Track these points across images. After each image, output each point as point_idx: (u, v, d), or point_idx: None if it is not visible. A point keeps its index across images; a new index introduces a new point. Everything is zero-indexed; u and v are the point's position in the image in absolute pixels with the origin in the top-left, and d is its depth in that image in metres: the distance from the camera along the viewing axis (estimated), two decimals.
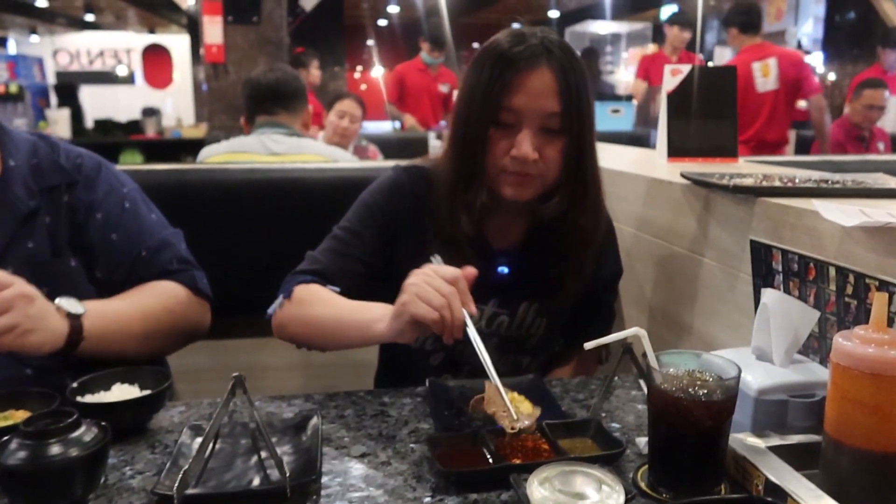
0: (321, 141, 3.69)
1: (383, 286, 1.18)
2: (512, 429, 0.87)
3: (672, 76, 1.77)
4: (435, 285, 0.94)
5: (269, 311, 1.20)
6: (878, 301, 0.75)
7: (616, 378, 1.16)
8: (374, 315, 1.04)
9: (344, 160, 2.32)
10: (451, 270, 0.96)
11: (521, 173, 1.15)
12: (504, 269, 1.26)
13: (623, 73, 12.90)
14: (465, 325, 0.93)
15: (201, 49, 6.06)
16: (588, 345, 0.82)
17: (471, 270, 0.98)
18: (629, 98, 5.48)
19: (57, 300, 1.06)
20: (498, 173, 1.17)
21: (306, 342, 1.17)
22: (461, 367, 1.31)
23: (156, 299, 1.21)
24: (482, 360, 0.91)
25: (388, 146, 3.90)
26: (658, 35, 5.36)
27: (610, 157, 2.60)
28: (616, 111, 5.04)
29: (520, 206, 1.25)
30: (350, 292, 1.18)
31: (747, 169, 1.65)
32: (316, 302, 1.15)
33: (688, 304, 1.39)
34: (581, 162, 1.17)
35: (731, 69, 1.82)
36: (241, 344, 1.86)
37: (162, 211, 1.34)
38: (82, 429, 0.79)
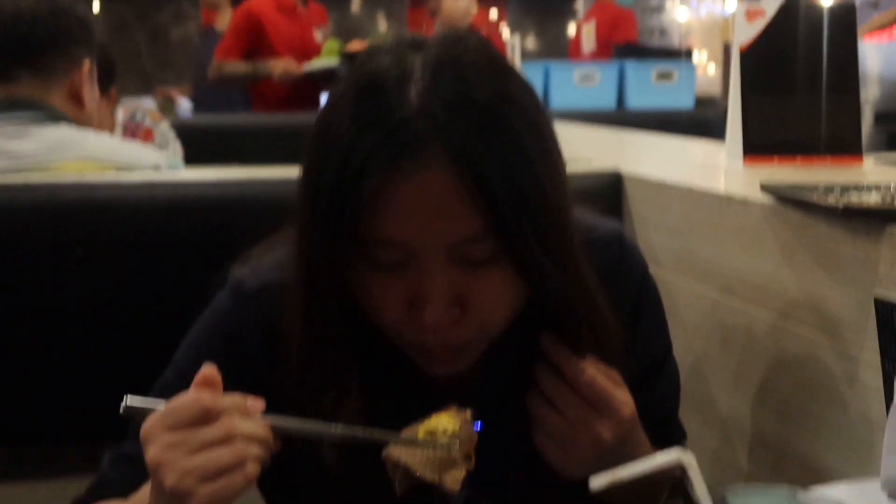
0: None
1: None
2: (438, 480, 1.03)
3: (747, 21, 1.84)
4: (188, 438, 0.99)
5: None
6: None
7: None
8: None
9: (154, 165, 2.24)
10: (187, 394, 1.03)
11: (441, 346, 1.13)
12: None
13: (679, 11, 13.24)
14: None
15: None
16: (594, 482, 0.85)
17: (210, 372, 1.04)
18: (688, 53, 5.63)
19: None
20: (402, 344, 1.15)
21: None
22: None
23: None
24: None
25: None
26: None
27: (645, 154, 2.66)
28: (666, 76, 5.15)
29: None
30: None
31: (878, 175, 1.71)
32: None
33: (775, 405, 1.43)
34: (549, 277, 1.12)
35: (846, 6, 1.90)
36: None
37: None
38: None
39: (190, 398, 1.01)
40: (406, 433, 1.06)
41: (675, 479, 0.97)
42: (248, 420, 1.01)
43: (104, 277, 1.74)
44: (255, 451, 1.00)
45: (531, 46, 12.33)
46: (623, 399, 1.17)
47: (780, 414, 1.42)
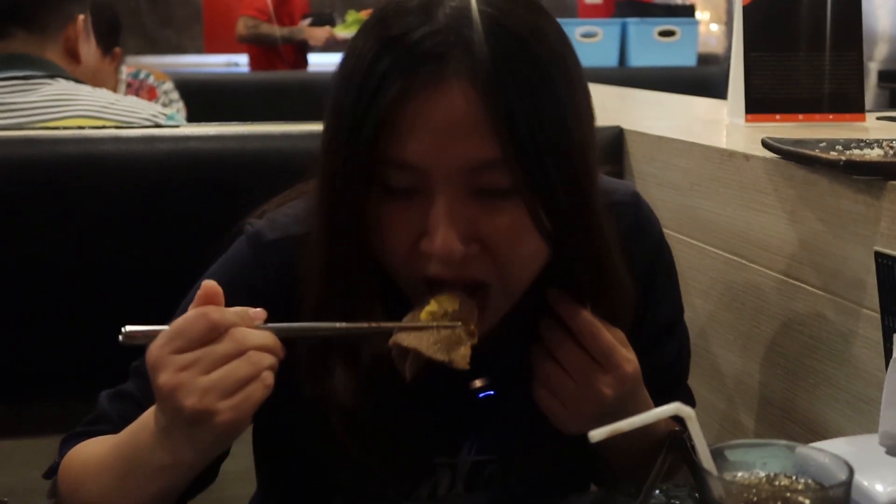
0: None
1: None
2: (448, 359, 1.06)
3: None
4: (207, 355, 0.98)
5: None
6: None
7: (657, 492, 1.19)
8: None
9: (151, 116, 2.24)
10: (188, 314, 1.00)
11: (450, 281, 1.09)
12: (478, 387, 1.23)
13: None
14: None
15: None
16: (594, 434, 0.85)
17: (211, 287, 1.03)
18: (691, 10, 5.59)
19: None
20: (414, 282, 1.12)
21: None
22: None
23: None
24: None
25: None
26: None
27: (647, 111, 2.64)
28: (669, 34, 5.12)
29: None
30: None
31: (880, 132, 1.70)
32: (81, 462, 1.20)
33: (775, 361, 1.44)
34: (565, 217, 1.09)
35: None
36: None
37: None
38: None
39: (196, 315, 0.98)
40: (408, 319, 1.08)
41: (673, 436, 0.97)
42: (255, 331, 1.00)
43: (105, 231, 1.74)
44: (268, 360, 1.00)
45: None
46: (626, 356, 1.16)
47: (780, 367, 1.43)
